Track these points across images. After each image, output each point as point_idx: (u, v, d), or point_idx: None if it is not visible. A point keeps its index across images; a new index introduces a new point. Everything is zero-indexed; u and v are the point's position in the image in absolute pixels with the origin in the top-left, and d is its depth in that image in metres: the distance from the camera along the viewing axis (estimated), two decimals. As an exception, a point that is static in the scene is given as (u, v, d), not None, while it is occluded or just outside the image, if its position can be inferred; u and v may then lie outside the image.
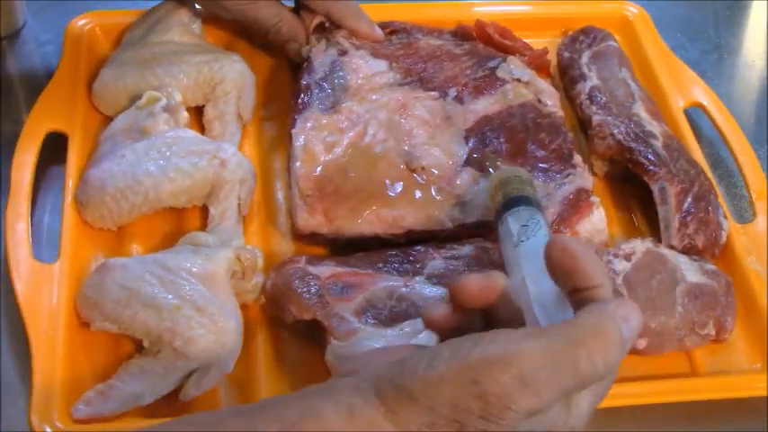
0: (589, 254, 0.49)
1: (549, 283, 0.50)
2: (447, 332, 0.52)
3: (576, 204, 0.70)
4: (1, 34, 0.89)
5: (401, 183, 0.70)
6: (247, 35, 0.86)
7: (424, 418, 0.44)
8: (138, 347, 0.64)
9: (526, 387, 0.44)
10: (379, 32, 0.83)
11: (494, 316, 0.52)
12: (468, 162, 0.72)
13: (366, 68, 0.79)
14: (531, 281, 0.52)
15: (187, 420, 0.45)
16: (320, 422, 0.44)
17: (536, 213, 0.59)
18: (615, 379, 0.50)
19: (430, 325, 0.53)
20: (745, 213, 0.78)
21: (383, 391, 0.45)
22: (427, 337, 0.61)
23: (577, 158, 0.74)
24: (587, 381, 0.46)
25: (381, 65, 0.79)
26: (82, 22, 0.84)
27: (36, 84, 0.82)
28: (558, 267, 0.49)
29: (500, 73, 0.79)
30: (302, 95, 0.76)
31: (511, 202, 0.60)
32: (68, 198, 0.71)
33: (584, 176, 0.72)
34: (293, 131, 0.73)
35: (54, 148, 0.75)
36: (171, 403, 0.62)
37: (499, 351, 0.45)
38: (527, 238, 0.56)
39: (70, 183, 0.72)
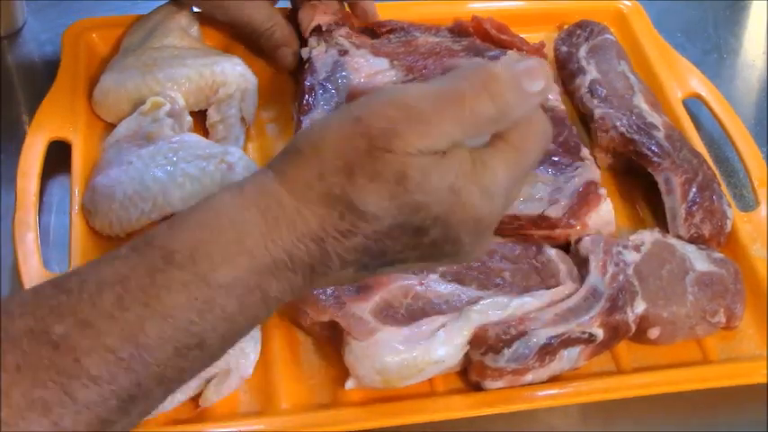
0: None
1: None
2: None
3: (586, 197, 0.70)
4: (1, 34, 0.88)
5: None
6: (243, 39, 0.85)
7: (312, 170, 0.43)
8: (155, 354, 0.63)
9: (410, 117, 0.43)
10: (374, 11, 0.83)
11: None
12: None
13: (367, 67, 0.79)
14: None
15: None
16: (209, 208, 0.43)
17: None
18: (532, 155, 0.48)
19: None
20: (747, 201, 0.79)
21: (273, 163, 0.44)
22: (446, 334, 0.62)
23: (585, 151, 0.74)
24: (479, 120, 0.45)
25: (382, 63, 0.80)
26: (79, 28, 0.83)
27: (36, 83, 0.81)
28: None
29: (501, 65, 0.80)
30: (306, 96, 0.76)
31: None
32: (75, 206, 0.71)
33: (592, 169, 0.73)
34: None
35: (56, 157, 0.75)
36: (191, 409, 0.62)
37: (384, 96, 0.44)
38: None
39: (76, 191, 0.71)
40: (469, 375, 0.64)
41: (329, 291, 0.63)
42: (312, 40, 0.82)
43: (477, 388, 0.64)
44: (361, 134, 0.43)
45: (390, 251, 0.46)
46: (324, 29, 0.82)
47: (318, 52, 0.80)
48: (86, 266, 0.42)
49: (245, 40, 0.85)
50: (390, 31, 0.85)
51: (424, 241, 0.46)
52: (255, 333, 0.62)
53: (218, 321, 0.41)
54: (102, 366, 0.38)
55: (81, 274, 0.40)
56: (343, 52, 0.80)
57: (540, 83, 0.47)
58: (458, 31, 0.86)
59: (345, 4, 0.85)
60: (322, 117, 0.46)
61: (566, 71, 0.85)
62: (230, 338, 0.44)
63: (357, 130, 0.43)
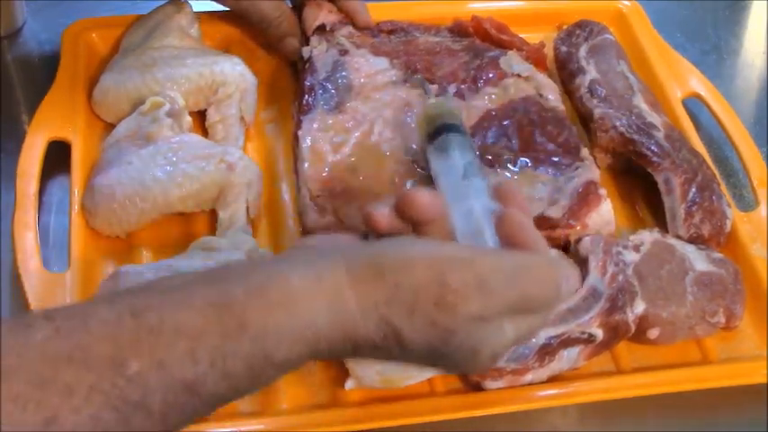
0: (537, 234, 0.53)
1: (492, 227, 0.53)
2: (380, 237, 0.53)
3: (586, 197, 0.70)
4: (1, 34, 0.88)
5: (410, 180, 0.71)
6: (247, 33, 0.86)
7: (385, 294, 0.46)
8: (155, 354, 0.63)
9: (481, 288, 0.47)
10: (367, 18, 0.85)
11: (423, 234, 0.53)
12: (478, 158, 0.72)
13: (368, 67, 0.79)
14: (481, 215, 0.54)
15: (156, 287, 0.46)
16: (286, 287, 0.46)
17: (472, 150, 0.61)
18: (540, 327, 0.54)
19: (368, 222, 0.53)
20: (747, 201, 0.79)
21: (353, 266, 0.47)
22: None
23: (584, 151, 0.74)
24: (527, 304, 0.49)
25: (382, 62, 0.80)
26: (79, 27, 0.83)
27: (36, 83, 0.81)
28: (509, 238, 0.52)
29: (501, 65, 0.80)
30: (306, 96, 0.76)
31: (449, 128, 0.63)
32: (75, 206, 0.71)
33: (591, 169, 0.73)
34: (299, 133, 0.73)
35: (55, 157, 0.75)
36: (191, 409, 0.62)
37: (467, 252, 0.49)
38: (474, 176, 0.58)
39: (76, 191, 0.71)
40: (469, 375, 0.64)
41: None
42: (314, 40, 0.82)
43: (476, 388, 0.64)
44: (439, 284, 0.47)
45: (404, 363, 0.51)
46: (327, 28, 0.82)
47: (319, 52, 0.80)
48: (160, 300, 0.44)
49: (249, 29, 0.85)
50: (390, 32, 0.85)
51: (440, 363, 0.51)
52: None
53: (260, 386, 0.46)
54: (162, 405, 0.42)
55: (159, 312, 0.43)
56: (344, 52, 0.80)
57: (573, 286, 0.52)
58: (458, 31, 0.86)
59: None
60: (407, 243, 0.50)
61: (565, 71, 0.85)
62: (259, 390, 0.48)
63: (437, 279, 0.47)
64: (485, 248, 0.52)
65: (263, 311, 0.44)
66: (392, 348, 0.48)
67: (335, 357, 0.51)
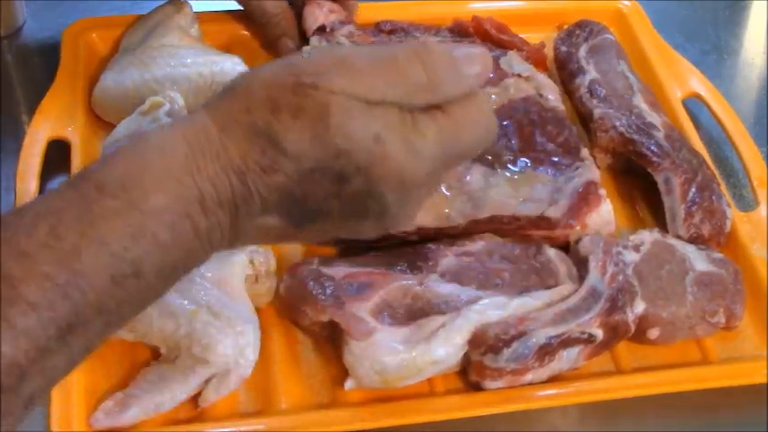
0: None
1: None
2: None
3: (586, 197, 0.70)
4: (1, 34, 0.88)
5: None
6: (247, 34, 0.86)
7: (240, 105, 0.44)
8: (155, 354, 0.63)
9: (342, 65, 0.45)
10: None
11: None
12: (478, 158, 0.72)
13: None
14: None
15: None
16: (139, 139, 0.45)
17: None
18: (467, 135, 0.49)
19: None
20: (747, 201, 0.79)
21: (207, 102, 0.46)
22: (445, 334, 0.62)
23: (585, 152, 0.74)
24: (409, 83, 0.46)
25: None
26: (79, 27, 0.83)
27: (36, 83, 0.81)
28: None
29: (501, 65, 0.80)
30: (307, 96, 0.76)
31: None
32: (75, 206, 0.71)
33: (591, 169, 0.73)
34: (300, 132, 0.73)
35: (55, 156, 0.75)
36: (190, 409, 0.62)
37: (323, 51, 0.48)
38: None
39: (76, 191, 0.71)
40: (469, 375, 0.64)
41: (329, 290, 0.64)
42: (314, 39, 0.82)
43: (476, 388, 0.64)
44: (291, 73, 0.44)
45: (312, 197, 0.46)
46: (327, 29, 0.82)
47: (319, 51, 0.80)
48: (23, 204, 0.43)
49: (248, 29, 0.86)
50: (391, 32, 0.85)
51: (346, 190, 0.46)
52: (255, 333, 0.62)
53: (151, 248, 0.42)
54: (40, 293, 0.39)
55: (18, 210, 0.42)
56: (344, 52, 0.80)
57: (477, 68, 0.49)
58: (458, 31, 0.86)
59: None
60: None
61: (565, 71, 0.85)
62: (167, 272, 0.44)
63: (288, 70, 0.45)
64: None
65: (116, 166, 0.43)
66: (281, 162, 0.44)
67: (237, 201, 0.45)
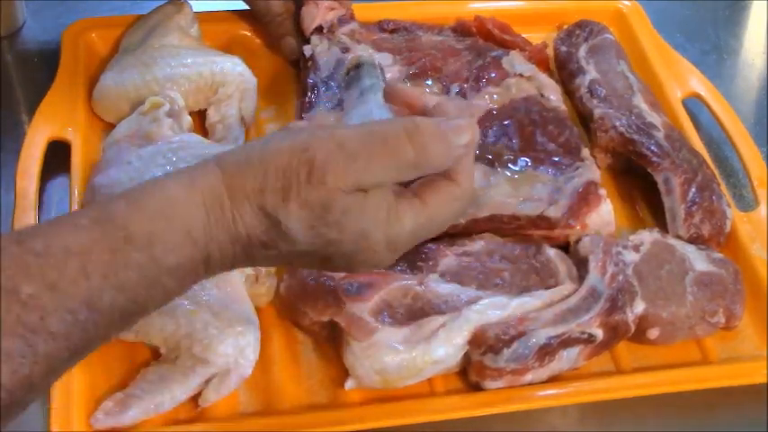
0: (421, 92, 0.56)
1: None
2: None
3: (586, 197, 0.70)
4: (1, 34, 0.88)
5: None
6: (247, 34, 0.87)
7: (255, 184, 0.48)
8: (155, 354, 0.63)
9: (344, 153, 0.48)
10: None
11: None
12: (478, 157, 0.72)
13: (370, 64, 0.79)
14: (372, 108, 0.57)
15: (50, 219, 0.49)
16: (163, 194, 0.48)
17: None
18: (438, 219, 0.53)
19: None
20: (747, 201, 0.79)
21: (224, 163, 0.49)
22: (445, 334, 0.62)
23: (585, 152, 0.74)
24: (401, 163, 0.50)
25: (386, 58, 0.80)
26: (79, 27, 0.83)
27: (36, 83, 0.81)
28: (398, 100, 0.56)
29: (503, 65, 0.80)
30: (308, 94, 0.76)
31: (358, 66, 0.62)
32: (75, 206, 0.71)
33: (592, 169, 0.73)
34: (300, 132, 0.73)
35: (55, 157, 0.75)
36: (190, 409, 0.62)
37: (329, 128, 0.51)
38: (372, 93, 0.59)
39: (76, 191, 0.71)
40: (469, 375, 0.64)
41: (329, 290, 0.63)
42: (315, 38, 0.82)
43: (476, 388, 0.64)
44: (306, 162, 0.48)
45: (297, 264, 0.55)
46: (324, 30, 0.82)
47: (321, 50, 0.80)
48: (47, 227, 0.47)
49: (248, 29, 0.86)
50: (393, 31, 0.85)
51: (328, 266, 0.53)
52: (255, 333, 0.62)
53: (159, 295, 0.48)
54: (62, 325, 0.44)
55: (45, 237, 0.45)
56: (346, 49, 0.80)
57: (466, 137, 0.52)
58: (460, 30, 0.86)
59: None
60: (273, 136, 0.51)
61: (565, 71, 0.85)
62: (164, 305, 0.50)
63: (303, 157, 0.48)
64: (346, 124, 0.54)
65: (144, 220, 0.47)
66: (279, 244, 0.49)
67: (235, 263, 0.50)
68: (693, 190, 0.73)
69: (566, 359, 0.64)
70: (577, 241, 0.69)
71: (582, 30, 0.87)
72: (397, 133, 0.50)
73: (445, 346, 0.62)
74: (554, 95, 0.79)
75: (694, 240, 0.72)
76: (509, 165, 0.73)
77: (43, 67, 0.85)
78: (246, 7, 0.86)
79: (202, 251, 0.48)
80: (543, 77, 0.80)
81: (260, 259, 0.51)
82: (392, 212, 0.51)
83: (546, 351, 0.62)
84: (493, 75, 0.79)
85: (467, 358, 0.63)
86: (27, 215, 0.69)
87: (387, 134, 0.50)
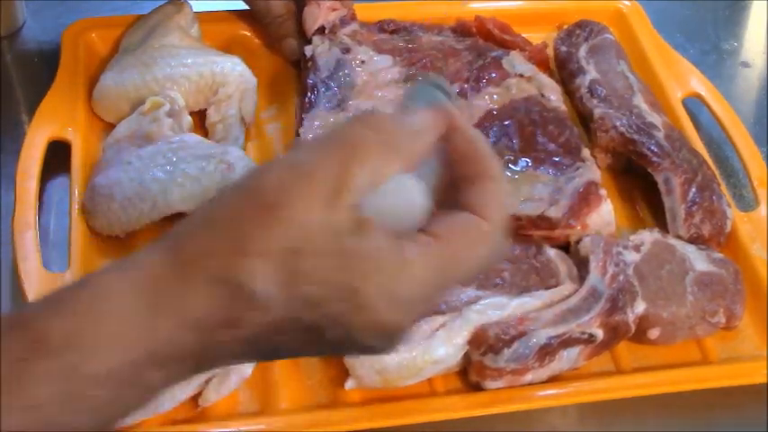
0: (486, 146, 0.43)
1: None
2: None
3: (587, 197, 0.70)
4: (1, 34, 0.88)
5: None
6: (247, 34, 0.87)
7: (201, 249, 0.38)
8: (155, 354, 0.63)
9: (300, 174, 0.38)
10: None
11: None
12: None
13: (371, 64, 0.79)
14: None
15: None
16: (98, 288, 0.39)
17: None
18: (464, 257, 0.42)
19: None
20: (747, 201, 0.79)
21: (167, 238, 0.40)
22: (445, 334, 0.62)
23: (585, 152, 0.74)
24: (381, 160, 0.40)
25: (386, 60, 0.80)
26: (79, 27, 0.83)
27: (36, 83, 0.81)
28: (456, 152, 0.43)
29: (504, 65, 0.80)
30: (309, 94, 0.76)
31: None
32: (75, 206, 0.71)
33: (592, 169, 0.73)
34: (301, 131, 0.74)
35: (55, 157, 0.75)
36: (190, 409, 0.62)
37: (276, 160, 0.42)
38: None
39: (76, 191, 0.71)
40: (469, 375, 0.64)
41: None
42: (316, 39, 0.82)
43: (476, 388, 0.64)
44: (252, 199, 0.38)
45: (284, 348, 0.41)
46: (327, 30, 0.82)
47: (322, 50, 0.80)
48: None
49: (248, 29, 0.86)
50: (393, 31, 0.85)
51: (323, 341, 0.40)
52: (255, 333, 0.62)
53: (89, 411, 0.38)
54: None
55: None
56: (346, 50, 0.80)
57: (428, 117, 0.43)
58: (461, 30, 0.86)
59: None
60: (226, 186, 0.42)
61: (565, 71, 0.85)
62: (106, 423, 0.40)
63: (248, 196, 0.39)
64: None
65: (65, 321, 0.38)
66: (246, 316, 0.38)
67: (200, 361, 0.39)
68: (693, 190, 0.73)
69: (566, 359, 0.64)
70: (578, 241, 0.69)
71: (582, 30, 0.87)
72: (357, 133, 0.40)
73: (445, 346, 0.62)
74: (554, 95, 0.79)
75: (694, 240, 0.72)
76: (509, 165, 0.73)
77: (43, 67, 0.85)
78: (246, 7, 0.86)
79: (143, 350, 0.37)
80: (543, 77, 0.80)
81: (232, 345, 0.39)
82: (391, 256, 0.39)
83: (546, 351, 0.62)
84: (493, 75, 0.79)
85: (467, 358, 0.63)
86: (27, 215, 0.69)
87: (341, 146, 0.40)
